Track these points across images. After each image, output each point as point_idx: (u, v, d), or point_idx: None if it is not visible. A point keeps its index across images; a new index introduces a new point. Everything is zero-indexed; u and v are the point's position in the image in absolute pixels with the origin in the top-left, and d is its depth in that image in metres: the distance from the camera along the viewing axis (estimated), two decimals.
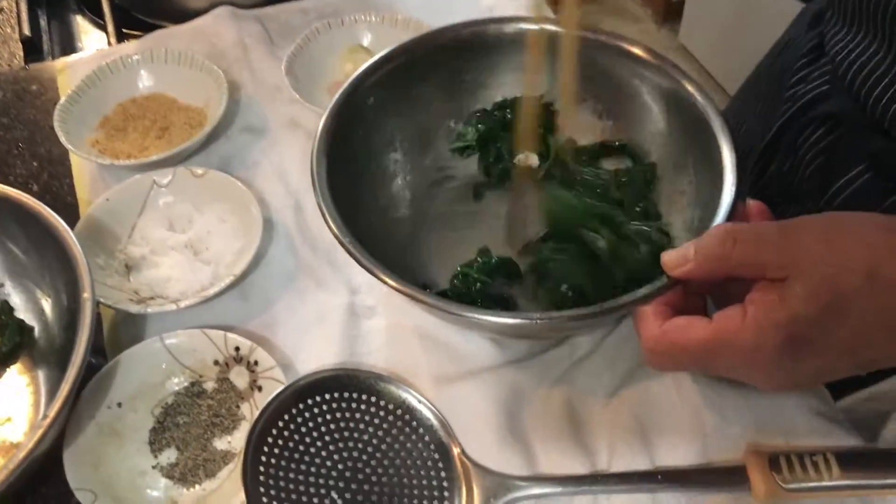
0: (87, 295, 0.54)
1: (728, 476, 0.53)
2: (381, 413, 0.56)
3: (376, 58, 0.63)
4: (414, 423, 0.56)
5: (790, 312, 0.42)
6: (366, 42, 0.83)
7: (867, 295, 0.42)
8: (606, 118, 0.66)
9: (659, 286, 0.48)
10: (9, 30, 0.94)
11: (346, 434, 0.55)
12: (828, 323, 0.42)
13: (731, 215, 0.50)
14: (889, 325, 0.42)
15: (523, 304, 0.60)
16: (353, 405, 0.56)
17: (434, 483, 0.54)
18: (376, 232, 0.59)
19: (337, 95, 0.60)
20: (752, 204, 0.50)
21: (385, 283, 0.51)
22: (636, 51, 0.62)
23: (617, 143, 0.65)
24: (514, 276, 0.61)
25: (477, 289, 0.59)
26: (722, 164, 0.54)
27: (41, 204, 0.59)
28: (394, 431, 0.56)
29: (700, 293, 0.51)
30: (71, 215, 0.69)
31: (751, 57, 0.87)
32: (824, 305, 0.42)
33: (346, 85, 0.61)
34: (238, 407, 0.59)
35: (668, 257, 0.47)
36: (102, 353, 0.63)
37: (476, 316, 0.49)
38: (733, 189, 0.52)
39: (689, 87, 0.59)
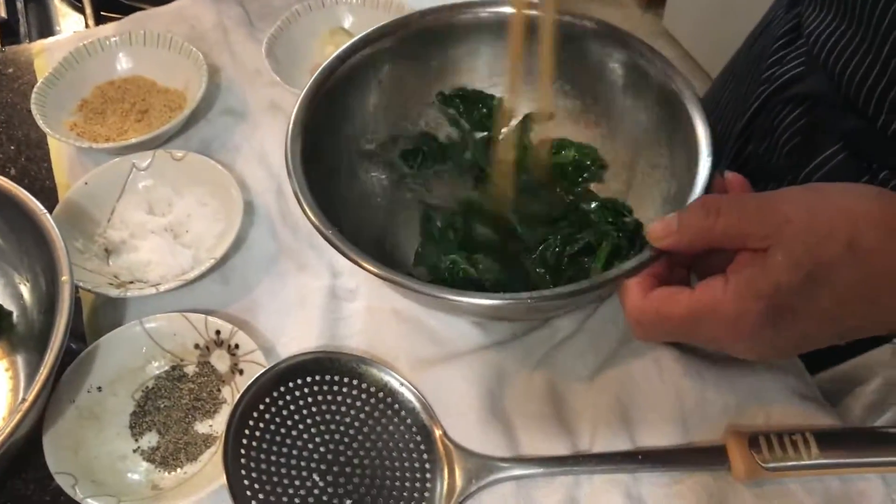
0: (65, 278, 0.54)
1: (708, 456, 0.54)
2: (363, 396, 0.56)
3: (352, 41, 0.62)
4: (396, 406, 0.56)
5: (772, 281, 0.43)
6: (347, 24, 0.82)
7: (848, 264, 0.42)
8: (576, 98, 0.65)
9: (643, 259, 0.48)
10: None
11: (327, 417, 0.55)
12: (809, 292, 0.43)
13: (710, 188, 0.51)
14: (869, 295, 0.43)
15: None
16: (335, 388, 0.56)
17: (416, 465, 0.54)
18: (354, 217, 0.59)
19: (311, 80, 0.60)
20: (731, 176, 0.51)
21: (365, 269, 0.50)
22: (602, 28, 0.62)
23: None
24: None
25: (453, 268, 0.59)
26: (696, 136, 0.54)
27: (18, 187, 0.59)
28: (376, 414, 0.56)
29: (683, 265, 0.51)
30: (49, 199, 0.68)
31: (734, 42, 0.88)
32: (806, 274, 0.42)
33: (320, 69, 0.60)
34: (219, 390, 0.59)
35: (652, 229, 0.47)
36: (82, 338, 0.63)
37: (457, 298, 0.49)
38: (709, 160, 0.52)
39: (658, 63, 0.59)
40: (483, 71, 0.67)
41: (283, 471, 0.52)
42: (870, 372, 0.64)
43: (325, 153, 0.59)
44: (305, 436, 0.54)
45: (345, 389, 0.56)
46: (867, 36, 0.59)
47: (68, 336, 0.52)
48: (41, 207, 0.58)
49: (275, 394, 0.55)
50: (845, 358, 0.65)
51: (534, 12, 0.62)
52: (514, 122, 0.66)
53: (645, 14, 2.44)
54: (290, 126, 0.57)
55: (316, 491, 0.52)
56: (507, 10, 0.63)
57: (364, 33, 0.63)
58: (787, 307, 0.43)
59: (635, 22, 2.43)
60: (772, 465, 0.52)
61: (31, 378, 0.58)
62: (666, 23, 2.33)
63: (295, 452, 0.53)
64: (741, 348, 0.47)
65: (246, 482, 0.51)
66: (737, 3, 2.03)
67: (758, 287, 0.43)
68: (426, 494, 0.53)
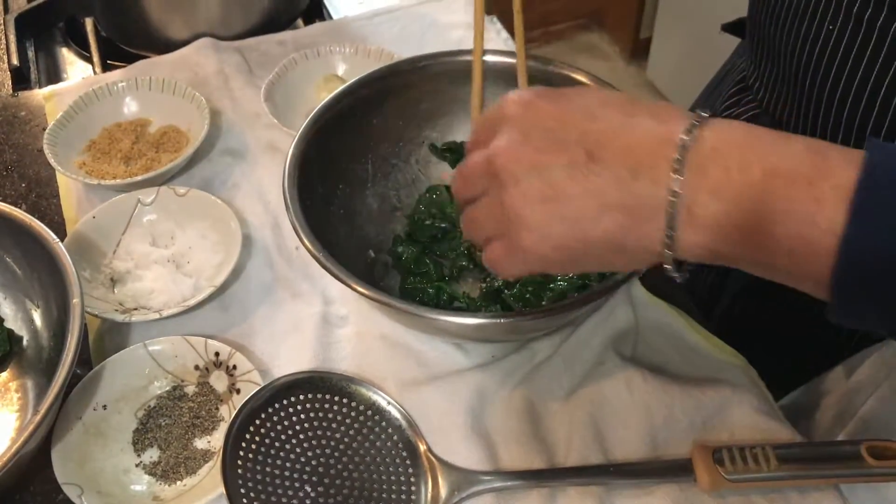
0: (76, 300, 0.58)
1: (676, 468, 0.58)
2: (353, 413, 0.60)
3: (346, 85, 0.68)
4: (383, 423, 0.60)
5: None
6: (340, 71, 0.88)
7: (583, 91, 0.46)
8: None
9: (615, 281, 0.54)
10: None
11: (318, 432, 0.59)
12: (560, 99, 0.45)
13: None
14: (613, 103, 0.45)
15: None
16: (326, 405, 0.60)
17: (402, 478, 0.58)
18: (346, 244, 0.64)
19: (307, 121, 0.65)
20: None
21: (353, 288, 0.55)
22: (578, 77, 0.68)
23: None
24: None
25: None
26: None
27: (33, 219, 0.63)
28: (364, 430, 0.59)
29: None
30: (58, 233, 0.72)
31: None
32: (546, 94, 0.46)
33: (315, 111, 0.66)
34: (217, 409, 0.62)
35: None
36: (88, 363, 0.66)
37: (440, 317, 0.54)
38: None
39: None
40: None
41: (278, 482, 0.56)
42: (829, 388, 0.68)
43: (319, 187, 0.64)
44: (298, 450, 0.58)
45: (335, 407, 0.60)
46: (792, 77, 0.66)
47: (77, 355, 0.56)
48: (54, 236, 0.62)
49: (270, 410, 0.58)
50: (807, 379, 0.69)
51: (512, 60, 0.68)
52: None
53: (629, 66, 2.52)
54: (287, 163, 0.62)
55: (308, 501, 0.55)
56: (496, 58, 0.69)
57: (358, 78, 0.68)
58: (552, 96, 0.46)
59: (620, 73, 2.50)
60: (734, 476, 0.56)
61: (39, 399, 0.62)
62: (649, 74, 2.41)
63: (288, 465, 0.57)
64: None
65: (242, 491, 0.54)
66: (717, 56, 2.10)
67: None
68: None
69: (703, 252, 0.42)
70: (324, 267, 0.56)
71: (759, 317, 0.76)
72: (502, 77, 0.69)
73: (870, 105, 0.61)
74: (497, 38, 0.96)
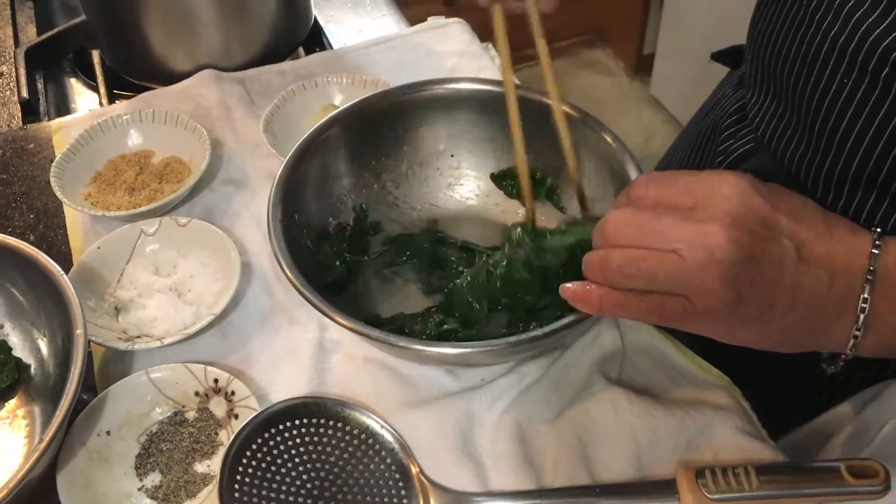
0: (80, 331, 0.60)
1: (660, 488, 0.59)
2: (346, 437, 0.62)
3: (332, 113, 0.71)
4: (376, 446, 0.62)
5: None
6: (337, 101, 0.90)
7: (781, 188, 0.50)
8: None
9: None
10: (8, 93, 1.02)
11: (314, 456, 0.61)
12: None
13: None
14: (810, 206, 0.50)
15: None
16: (321, 430, 0.62)
17: (395, 500, 0.60)
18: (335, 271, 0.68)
19: (292, 151, 0.69)
20: None
21: (337, 321, 0.58)
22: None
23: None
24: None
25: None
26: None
27: (39, 251, 0.66)
28: (358, 453, 0.61)
29: None
30: (65, 263, 0.74)
31: None
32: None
33: (302, 139, 0.69)
34: (217, 434, 0.64)
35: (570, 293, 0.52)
36: (93, 388, 0.68)
37: (419, 347, 0.56)
38: None
39: (607, 138, 0.67)
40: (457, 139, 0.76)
41: None
42: (837, 426, 0.69)
43: (306, 214, 0.67)
44: (294, 473, 0.60)
45: (329, 431, 0.62)
46: (801, 119, 0.66)
47: (81, 384, 0.58)
48: (59, 269, 0.64)
49: (266, 435, 0.60)
50: (815, 415, 0.70)
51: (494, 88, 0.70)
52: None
53: (633, 81, 2.54)
54: (273, 192, 0.65)
55: None
56: (460, 86, 0.73)
57: (344, 106, 0.71)
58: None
59: (624, 89, 2.53)
60: (717, 496, 0.57)
61: (45, 425, 0.64)
62: (653, 90, 2.43)
63: (284, 488, 0.59)
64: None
65: None
66: (720, 73, 2.13)
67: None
68: None
69: (882, 350, 0.49)
70: (306, 298, 0.59)
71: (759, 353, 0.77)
72: (489, 105, 0.72)
73: (882, 158, 0.61)
74: (491, 66, 0.98)
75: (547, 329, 0.56)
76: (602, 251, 0.50)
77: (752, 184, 0.48)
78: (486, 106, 0.73)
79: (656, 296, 0.48)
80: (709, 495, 0.57)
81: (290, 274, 0.60)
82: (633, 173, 0.64)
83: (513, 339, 0.56)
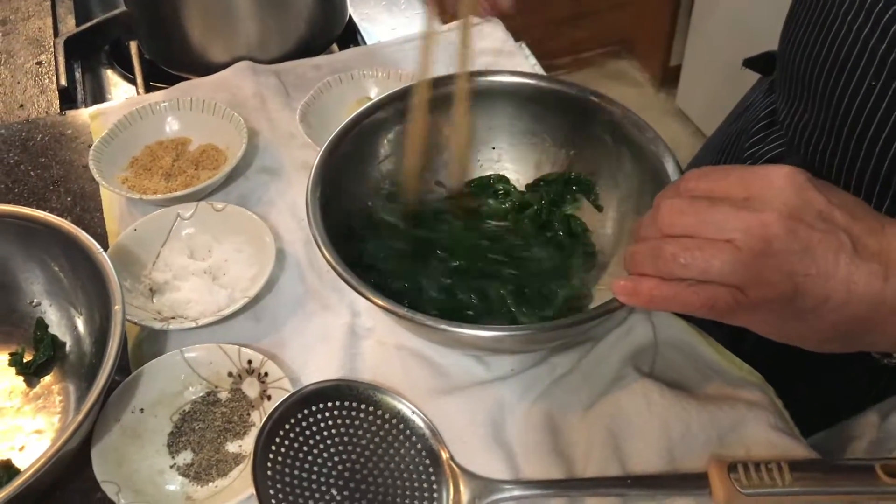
0: (117, 307, 0.61)
1: (691, 481, 0.59)
2: (378, 421, 0.62)
3: (366, 105, 0.72)
4: (407, 431, 0.62)
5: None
6: (372, 94, 0.91)
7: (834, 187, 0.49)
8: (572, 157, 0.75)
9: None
10: (46, 81, 1.03)
11: (345, 438, 0.61)
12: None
13: None
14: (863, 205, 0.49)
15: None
16: (353, 413, 0.62)
17: (424, 485, 0.60)
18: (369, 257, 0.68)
19: (331, 136, 0.69)
20: None
21: (371, 301, 0.58)
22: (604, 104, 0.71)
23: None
24: None
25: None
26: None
27: (79, 230, 0.66)
28: (388, 437, 0.62)
29: None
30: (101, 244, 0.75)
31: None
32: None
33: (339, 128, 0.70)
34: (249, 415, 0.65)
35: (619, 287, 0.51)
36: (126, 369, 0.69)
37: (454, 329, 0.56)
38: None
39: (648, 136, 0.68)
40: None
41: (305, 485, 0.58)
42: (860, 431, 0.68)
43: (342, 201, 0.67)
44: (325, 454, 0.60)
45: (361, 415, 0.62)
46: (831, 122, 0.66)
47: (118, 361, 0.59)
48: (98, 247, 0.65)
49: (299, 416, 0.61)
50: (838, 420, 0.69)
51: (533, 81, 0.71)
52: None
53: (658, 93, 2.54)
54: (311, 179, 0.65)
55: None
56: (503, 79, 0.74)
57: (377, 98, 0.72)
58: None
59: (649, 100, 2.53)
60: (749, 490, 0.57)
61: (80, 401, 0.65)
62: (679, 102, 2.43)
63: (315, 469, 0.59)
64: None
65: (271, 493, 0.57)
66: (747, 84, 2.12)
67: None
68: None
69: None
70: (342, 278, 0.59)
71: (787, 354, 0.77)
72: (532, 99, 0.74)
73: None
74: (525, 63, 0.99)
75: (577, 317, 0.56)
76: (652, 241, 0.49)
77: (808, 177, 0.47)
78: (529, 101, 0.73)
79: (708, 286, 0.47)
80: (741, 490, 0.57)
81: (325, 252, 0.60)
82: (672, 172, 0.64)
83: (546, 324, 0.56)
